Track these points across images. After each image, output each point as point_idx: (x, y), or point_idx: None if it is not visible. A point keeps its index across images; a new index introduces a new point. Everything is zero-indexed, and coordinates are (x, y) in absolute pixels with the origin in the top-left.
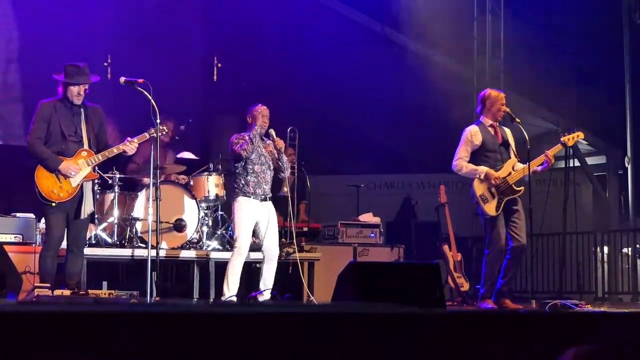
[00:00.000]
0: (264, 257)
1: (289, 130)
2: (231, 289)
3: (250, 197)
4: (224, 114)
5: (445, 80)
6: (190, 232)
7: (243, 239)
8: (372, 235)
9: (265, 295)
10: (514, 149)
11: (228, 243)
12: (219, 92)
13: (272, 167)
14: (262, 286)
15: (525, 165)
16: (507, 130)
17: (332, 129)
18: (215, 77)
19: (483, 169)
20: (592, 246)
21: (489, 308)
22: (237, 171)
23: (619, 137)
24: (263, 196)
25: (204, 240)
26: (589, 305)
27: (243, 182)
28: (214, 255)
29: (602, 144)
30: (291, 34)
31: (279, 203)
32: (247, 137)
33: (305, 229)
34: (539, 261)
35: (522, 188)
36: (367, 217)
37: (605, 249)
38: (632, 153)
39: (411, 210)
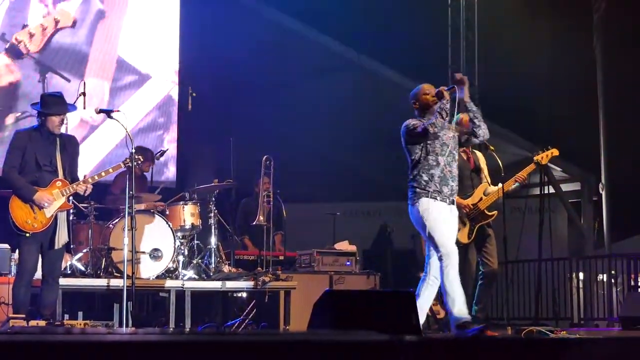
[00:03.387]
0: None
1: (264, 158)
2: (464, 309)
3: (436, 198)
4: (199, 143)
5: None
6: (166, 262)
7: (449, 242)
8: (348, 263)
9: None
10: (486, 173)
11: (204, 272)
12: (194, 121)
13: (457, 159)
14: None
15: (497, 187)
16: (480, 155)
17: (308, 156)
18: (190, 107)
19: None
20: (567, 272)
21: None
22: (413, 166)
23: (593, 163)
24: (451, 197)
25: (180, 269)
26: (565, 332)
27: (426, 178)
28: (190, 284)
29: (577, 171)
30: (265, 61)
31: (254, 232)
32: (428, 118)
33: (281, 257)
34: (514, 288)
35: (494, 213)
36: (343, 245)
37: (581, 275)
38: (606, 179)
39: (387, 238)
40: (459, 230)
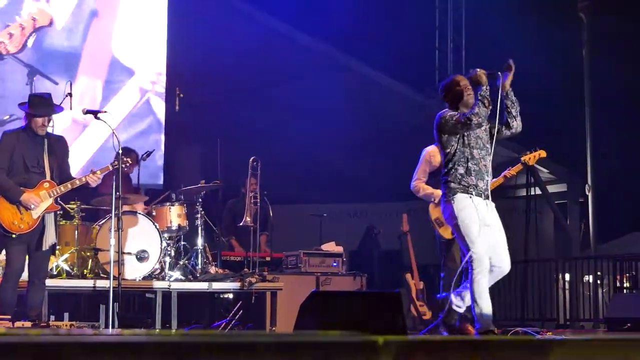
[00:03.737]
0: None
1: (251, 159)
2: (485, 316)
3: (472, 193)
4: (186, 144)
5: (407, 109)
6: (152, 263)
7: (481, 247)
8: (335, 264)
9: None
10: None
11: (190, 273)
12: (181, 122)
13: (490, 153)
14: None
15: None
16: None
17: (295, 158)
18: (177, 107)
19: (438, 193)
20: (553, 273)
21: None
22: (448, 160)
23: (580, 165)
24: (486, 192)
25: (167, 270)
26: (551, 333)
27: (462, 171)
28: (177, 285)
29: (563, 172)
30: (253, 63)
31: (241, 233)
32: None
33: (268, 258)
34: (501, 288)
35: None
36: (330, 247)
37: (567, 276)
38: (592, 181)
39: (374, 239)
40: (442, 224)
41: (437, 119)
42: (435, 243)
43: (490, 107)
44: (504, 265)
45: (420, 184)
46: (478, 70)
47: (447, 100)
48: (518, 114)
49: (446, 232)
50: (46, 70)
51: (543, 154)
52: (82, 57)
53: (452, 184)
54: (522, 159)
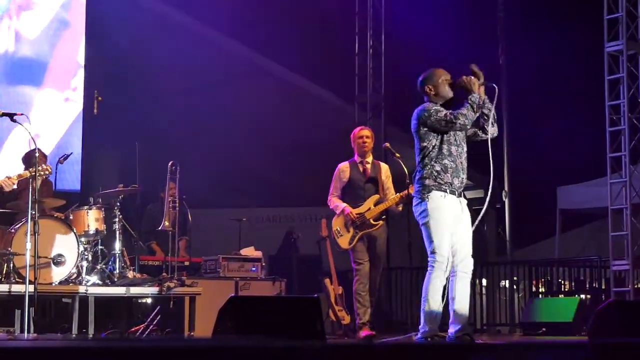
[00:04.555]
0: (455, 271)
1: (170, 163)
2: (432, 320)
3: (447, 191)
4: (104, 147)
5: (327, 114)
6: (69, 267)
7: (445, 249)
8: (254, 269)
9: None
10: (385, 185)
11: (108, 278)
12: (100, 125)
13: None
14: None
15: (387, 200)
16: (383, 167)
17: (214, 161)
18: (95, 111)
19: (340, 207)
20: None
21: (368, 337)
22: (424, 154)
23: (497, 171)
24: (460, 190)
25: (84, 275)
26: (467, 337)
27: (438, 168)
28: (94, 290)
29: (480, 178)
30: (175, 66)
31: (159, 238)
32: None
33: (187, 263)
34: (420, 294)
35: (380, 223)
36: (249, 251)
37: (484, 281)
38: (509, 187)
39: (293, 243)
40: (341, 235)
41: (420, 111)
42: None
43: (478, 113)
44: (467, 265)
45: (332, 197)
46: (471, 77)
47: (425, 93)
48: (495, 120)
49: (344, 242)
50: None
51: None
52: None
53: (427, 181)
54: (403, 193)
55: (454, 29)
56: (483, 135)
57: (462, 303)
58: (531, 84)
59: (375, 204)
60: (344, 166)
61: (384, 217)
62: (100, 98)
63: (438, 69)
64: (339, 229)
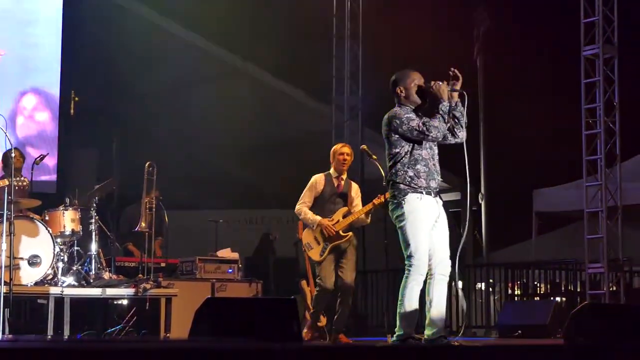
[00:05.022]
0: (430, 273)
1: (147, 164)
2: (408, 323)
3: (423, 192)
4: (80, 148)
5: (303, 116)
6: (45, 268)
7: (422, 252)
8: (230, 270)
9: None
10: (353, 202)
11: (84, 279)
12: (76, 126)
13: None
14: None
15: (354, 213)
16: (354, 186)
17: (191, 163)
18: (72, 111)
19: (316, 220)
20: None
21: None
22: (396, 160)
23: (474, 173)
24: (436, 190)
25: (59, 276)
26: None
27: (411, 174)
28: (69, 291)
29: (457, 180)
30: (150, 67)
31: (136, 238)
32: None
33: (163, 264)
34: (396, 297)
35: (349, 234)
36: (225, 253)
37: (460, 283)
38: (485, 189)
39: (270, 245)
40: (312, 248)
41: (391, 117)
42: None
43: (449, 124)
44: (445, 267)
45: (304, 207)
46: (440, 83)
47: (396, 94)
48: (465, 125)
49: (315, 254)
50: None
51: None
52: None
53: (402, 186)
54: (375, 201)
55: (432, 31)
56: (452, 139)
57: (439, 305)
58: (508, 86)
59: (344, 216)
60: (319, 178)
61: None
62: (77, 98)
63: (413, 71)
64: (309, 242)
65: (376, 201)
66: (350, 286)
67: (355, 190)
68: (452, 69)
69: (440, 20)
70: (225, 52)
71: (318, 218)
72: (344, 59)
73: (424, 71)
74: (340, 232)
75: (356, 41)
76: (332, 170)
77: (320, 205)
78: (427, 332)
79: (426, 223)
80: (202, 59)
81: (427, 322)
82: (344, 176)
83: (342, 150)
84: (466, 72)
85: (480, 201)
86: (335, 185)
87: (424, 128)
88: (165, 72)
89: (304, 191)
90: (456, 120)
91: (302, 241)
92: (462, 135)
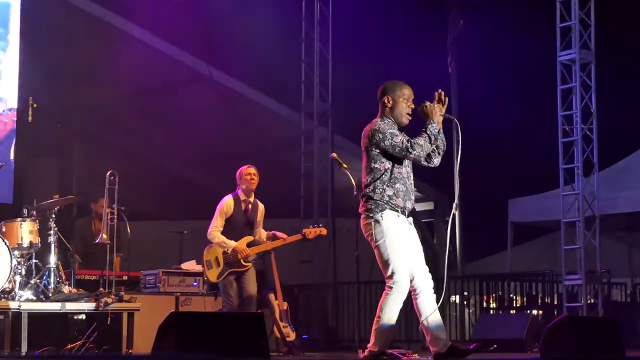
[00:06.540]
0: (417, 290)
1: (108, 173)
2: (384, 340)
3: (398, 212)
4: (39, 157)
5: (272, 123)
6: (1, 282)
7: (403, 270)
8: (195, 284)
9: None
10: (259, 226)
11: (42, 293)
12: (34, 134)
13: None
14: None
15: (263, 243)
16: (261, 207)
17: (155, 172)
18: (30, 118)
19: (231, 245)
20: None
21: None
22: (375, 177)
23: (447, 183)
24: (410, 210)
25: (17, 290)
26: (416, 355)
27: (390, 193)
28: (27, 306)
29: (430, 191)
30: (114, 72)
31: (96, 251)
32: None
33: (125, 277)
34: (367, 309)
35: (249, 265)
36: (190, 265)
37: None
38: (459, 200)
39: None
40: (211, 267)
41: (373, 131)
42: (305, 267)
43: (433, 145)
44: (428, 281)
45: (216, 232)
46: (435, 104)
47: (382, 103)
48: (442, 152)
49: (212, 275)
50: None
51: (324, 231)
52: None
53: (379, 202)
54: (304, 231)
55: (403, 37)
56: (425, 162)
57: (437, 320)
58: (482, 94)
59: (248, 245)
60: (230, 201)
61: (254, 258)
62: (35, 105)
63: (406, 85)
64: (210, 260)
65: (289, 239)
66: (254, 296)
67: (261, 213)
68: (439, 90)
69: (413, 24)
70: (188, 55)
71: (233, 243)
72: (313, 63)
73: (396, 77)
74: (242, 261)
75: (325, 45)
76: (240, 193)
77: (229, 231)
78: (434, 348)
79: (403, 240)
80: (165, 63)
81: (429, 339)
82: (252, 198)
83: (248, 170)
84: (438, 77)
85: (454, 211)
86: (244, 208)
87: (408, 145)
88: (128, 78)
89: (215, 216)
90: (436, 148)
91: (203, 258)
92: (436, 161)
